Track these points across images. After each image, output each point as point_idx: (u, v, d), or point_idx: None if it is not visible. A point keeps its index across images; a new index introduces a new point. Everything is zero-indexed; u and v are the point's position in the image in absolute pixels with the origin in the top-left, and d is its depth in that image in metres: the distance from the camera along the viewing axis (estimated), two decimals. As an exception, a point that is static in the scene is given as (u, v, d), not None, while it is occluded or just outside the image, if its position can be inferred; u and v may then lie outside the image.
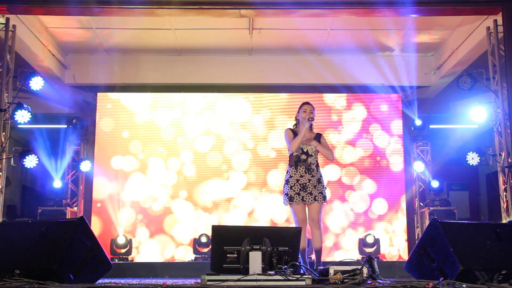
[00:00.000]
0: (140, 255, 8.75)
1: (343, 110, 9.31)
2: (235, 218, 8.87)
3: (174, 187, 9.02)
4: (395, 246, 8.98)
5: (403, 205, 9.10)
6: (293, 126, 5.43)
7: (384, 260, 8.51)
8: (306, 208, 5.15)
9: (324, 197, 5.13)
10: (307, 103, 5.37)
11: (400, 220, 9.06)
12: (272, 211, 8.84)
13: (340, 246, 8.92)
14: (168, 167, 9.07)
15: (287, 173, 5.20)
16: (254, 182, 9.01)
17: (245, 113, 9.24)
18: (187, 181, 9.04)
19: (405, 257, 8.64)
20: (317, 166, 5.21)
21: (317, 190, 5.09)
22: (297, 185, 5.09)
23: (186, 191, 9.00)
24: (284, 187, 5.19)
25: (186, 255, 8.67)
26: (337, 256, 8.79)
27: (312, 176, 5.11)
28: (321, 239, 5.09)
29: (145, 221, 8.89)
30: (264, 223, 8.79)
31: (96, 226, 8.78)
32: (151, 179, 9.04)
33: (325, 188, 5.23)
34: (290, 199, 5.09)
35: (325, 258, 8.78)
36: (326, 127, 9.23)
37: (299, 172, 5.11)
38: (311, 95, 9.33)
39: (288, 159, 5.28)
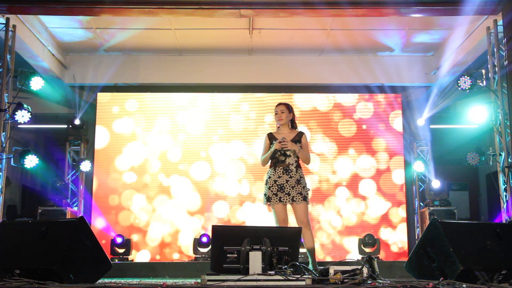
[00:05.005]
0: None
1: (343, 110, 9.31)
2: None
3: (173, 191, 9.04)
4: (395, 246, 8.98)
5: (403, 205, 9.10)
6: (277, 127, 5.40)
7: (384, 260, 8.51)
8: (288, 208, 5.14)
9: (304, 197, 5.07)
10: (277, 104, 5.34)
11: (400, 220, 9.06)
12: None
13: (339, 246, 8.94)
14: (168, 166, 9.08)
15: (266, 173, 5.23)
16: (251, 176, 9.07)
17: (245, 113, 9.25)
18: (187, 181, 9.06)
19: (405, 257, 8.64)
20: (297, 167, 5.16)
21: (295, 190, 5.06)
22: (274, 186, 5.09)
23: (183, 196, 9.04)
24: (264, 188, 5.21)
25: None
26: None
27: (290, 177, 5.09)
28: (312, 239, 5.06)
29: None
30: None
31: (96, 226, 8.80)
32: (151, 177, 9.07)
33: (308, 189, 5.17)
34: (267, 199, 5.11)
35: (327, 258, 8.81)
36: (325, 127, 9.24)
37: (277, 173, 5.12)
38: (311, 95, 9.35)
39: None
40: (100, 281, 4.33)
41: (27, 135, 10.04)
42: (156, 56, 9.14)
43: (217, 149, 9.15)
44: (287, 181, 5.08)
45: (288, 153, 5.14)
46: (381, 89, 9.30)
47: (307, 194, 5.13)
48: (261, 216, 8.85)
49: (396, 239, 9.01)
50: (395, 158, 9.23)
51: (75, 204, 9.18)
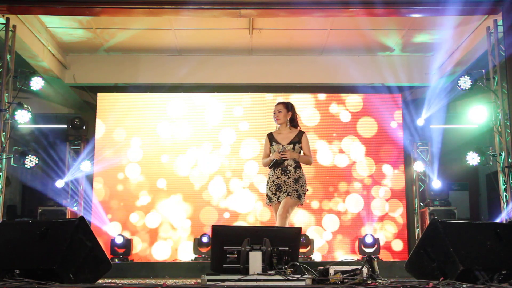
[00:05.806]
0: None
1: (343, 110, 9.31)
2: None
3: (173, 188, 9.05)
4: (395, 246, 8.98)
5: (403, 205, 9.10)
6: (277, 127, 5.39)
7: (384, 260, 8.51)
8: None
9: (299, 196, 5.08)
10: (276, 103, 5.32)
11: (400, 220, 9.06)
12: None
13: (338, 246, 8.93)
14: (167, 166, 9.08)
15: (268, 174, 5.26)
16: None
17: (245, 112, 9.25)
18: (187, 182, 9.06)
19: (405, 257, 8.64)
20: (296, 167, 5.16)
21: (292, 188, 5.09)
22: (273, 186, 5.15)
23: (183, 193, 9.03)
24: (266, 188, 5.24)
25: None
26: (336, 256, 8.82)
27: (288, 178, 5.11)
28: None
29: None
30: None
31: (96, 226, 8.80)
32: (148, 176, 9.08)
33: (307, 189, 5.19)
34: (269, 200, 5.18)
35: (327, 258, 8.81)
36: (324, 127, 9.23)
37: (276, 173, 5.16)
38: (311, 95, 9.34)
39: None
40: (100, 281, 4.33)
41: (27, 135, 10.04)
42: (156, 56, 9.14)
43: (216, 149, 9.15)
44: (285, 181, 5.11)
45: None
46: (381, 89, 9.30)
47: (303, 193, 5.15)
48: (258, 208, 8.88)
49: (396, 239, 9.01)
50: (395, 158, 9.23)
51: (75, 204, 9.18)
